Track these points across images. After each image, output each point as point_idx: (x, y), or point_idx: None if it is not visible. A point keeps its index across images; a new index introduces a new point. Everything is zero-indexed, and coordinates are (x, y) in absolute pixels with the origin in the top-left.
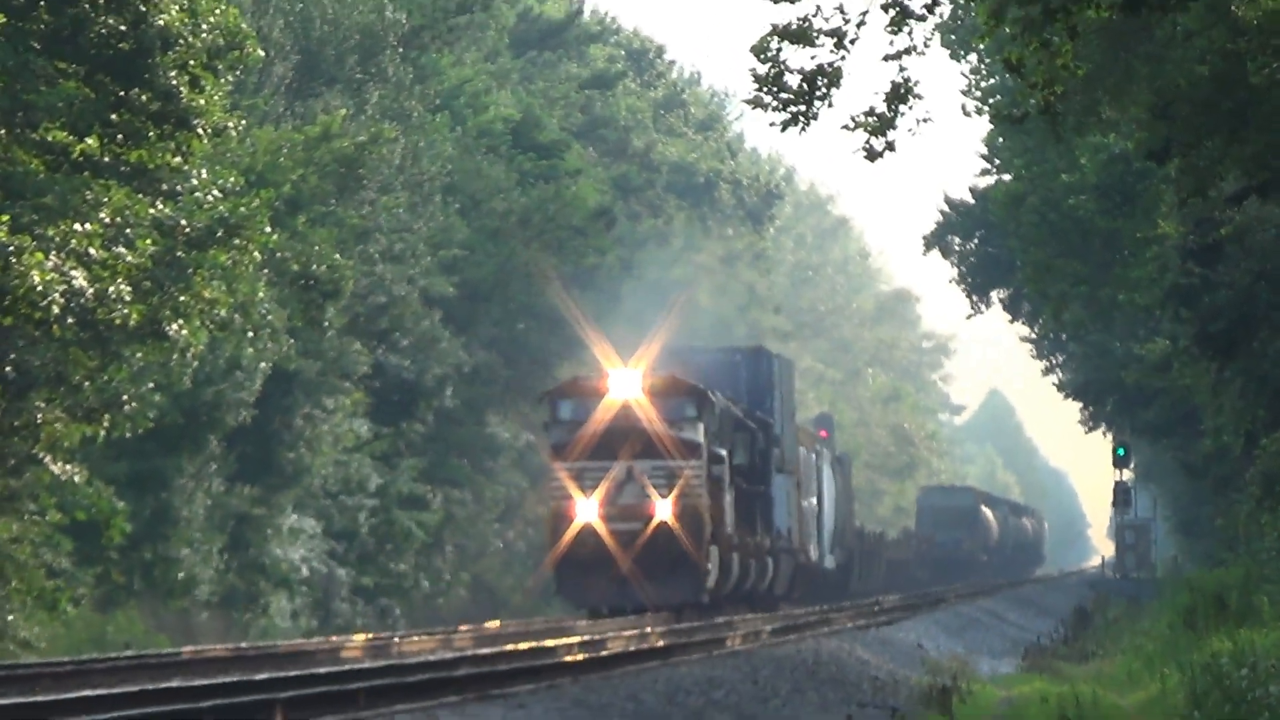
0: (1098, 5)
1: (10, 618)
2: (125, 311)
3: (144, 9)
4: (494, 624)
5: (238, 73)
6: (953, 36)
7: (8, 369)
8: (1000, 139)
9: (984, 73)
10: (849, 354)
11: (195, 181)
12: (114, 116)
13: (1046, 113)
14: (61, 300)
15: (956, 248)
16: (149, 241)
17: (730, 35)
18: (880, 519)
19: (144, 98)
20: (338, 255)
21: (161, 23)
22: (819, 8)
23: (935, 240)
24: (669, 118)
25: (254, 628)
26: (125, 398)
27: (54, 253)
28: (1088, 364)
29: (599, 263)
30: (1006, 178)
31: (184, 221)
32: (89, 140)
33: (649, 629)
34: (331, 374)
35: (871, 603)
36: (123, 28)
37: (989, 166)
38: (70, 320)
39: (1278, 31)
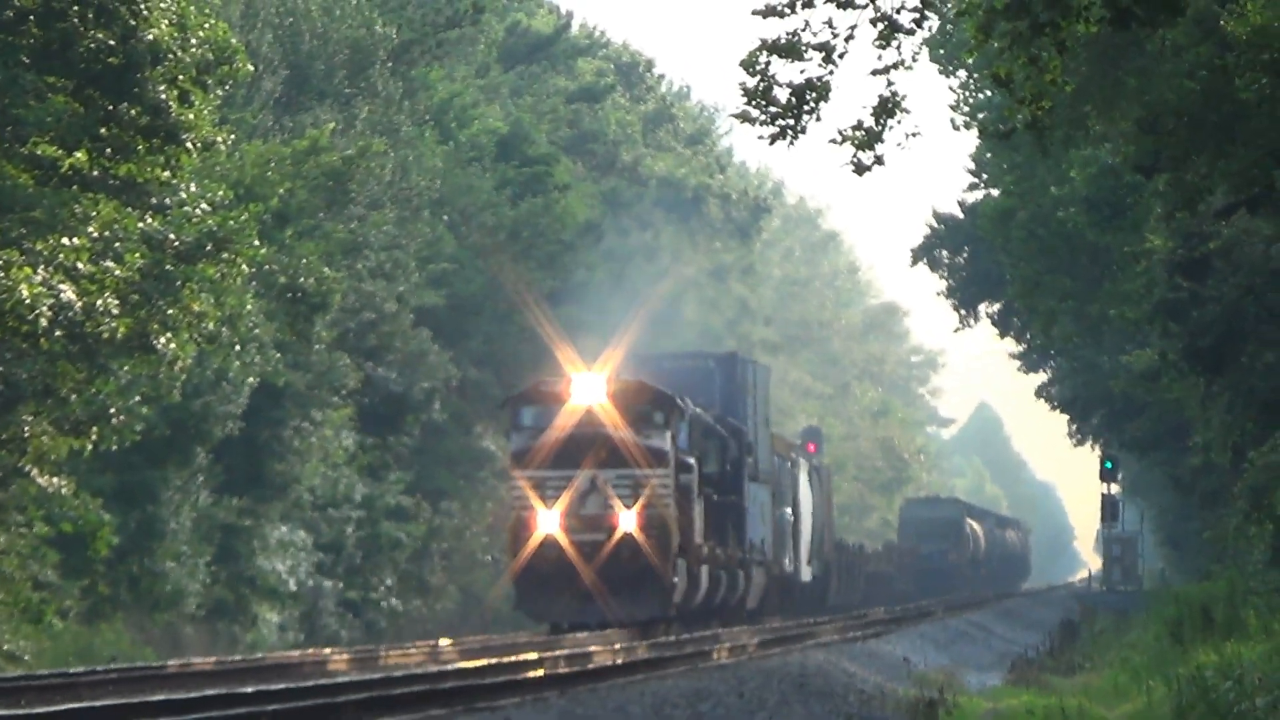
0: (1086, 20)
1: None
2: (113, 325)
3: (133, 24)
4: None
5: (227, 87)
6: (941, 51)
7: None
8: (989, 154)
9: (972, 87)
10: (837, 368)
11: (184, 195)
12: (103, 131)
13: (1034, 128)
14: (49, 313)
15: (945, 261)
16: (137, 255)
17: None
18: (868, 533)
19: (133, 112)
20: (326, 269)
21: (151, 37)
22: (808, 23)
23: (923, 254)
24: (658, 132)
25: (241, 640)
26: (113, 410)
27: (42, 266)
28: (1076, 378)
29: (588, 278)
30: (995, 192)
31: (172, 235)
32: (78, 154)
33: (617, 644)
34: (320, 388)
35: (859, 615)
36: (112, 42)
37: (977, 181)
38: (58, 333)
39: (1265, 46)
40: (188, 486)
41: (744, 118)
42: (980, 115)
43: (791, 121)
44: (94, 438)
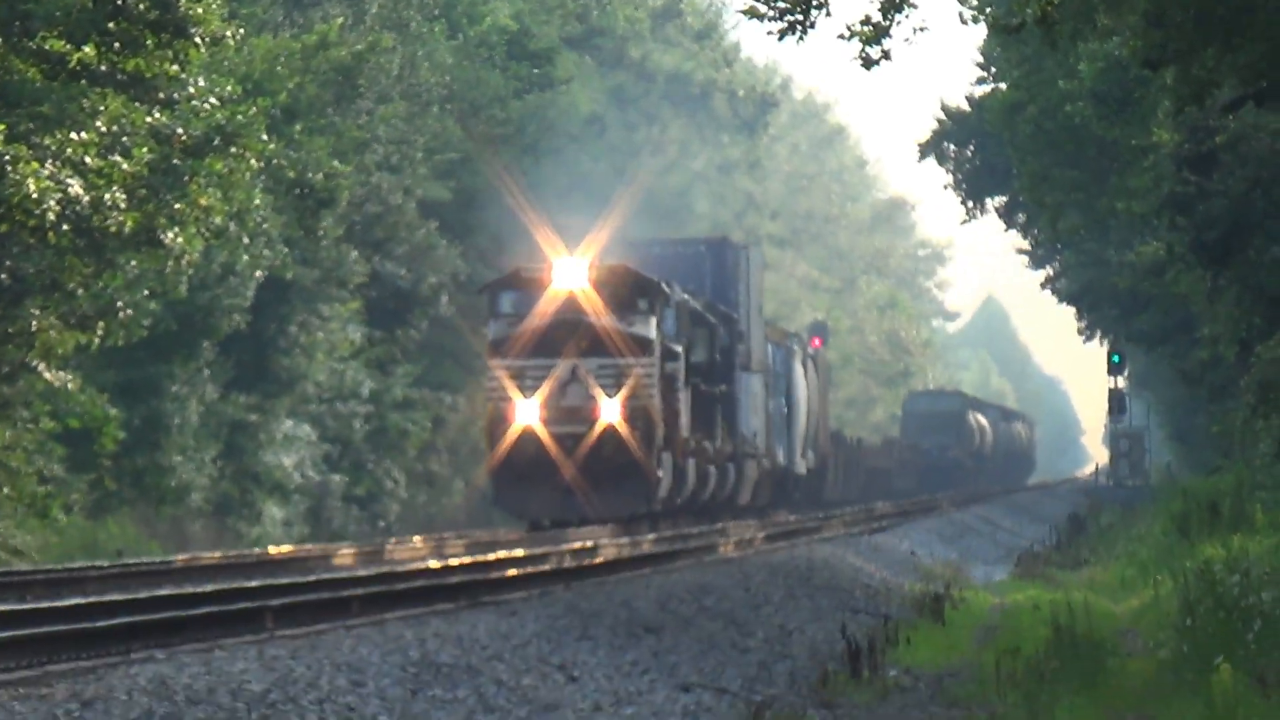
0: None
1: (2, 524)
2: (120, 219)
3: None
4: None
5: None
6: None
7: (2, 276)
8: (997, 48)
9: None
10: (844, 262)
11: (192, 90)
12: (111, 25)
13: (1043, 22)
14: (57, 208)
15: (952, 155)
16: (145, 150)
17: None
18: (874, 427)
19: (141, 6)
20: (335, 163)
21: None
22: None
23: (931, 148)
24: (666, 27)
25: (247, 535)
26: (120, 305)
27: (50, 161)
28: (1083, 272)
29: (592, 169)
30: (1003, 86)
31: (180, 130)
32: (86, 49)
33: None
34: (328, 282)
35: (864, 509)
36: None
37: (985, 75)
38: (65, 228)
39: None
40: (194, 381)
41: (752, 13)
42: (988, 9)
43: (800, 16)
44: (101, 332)
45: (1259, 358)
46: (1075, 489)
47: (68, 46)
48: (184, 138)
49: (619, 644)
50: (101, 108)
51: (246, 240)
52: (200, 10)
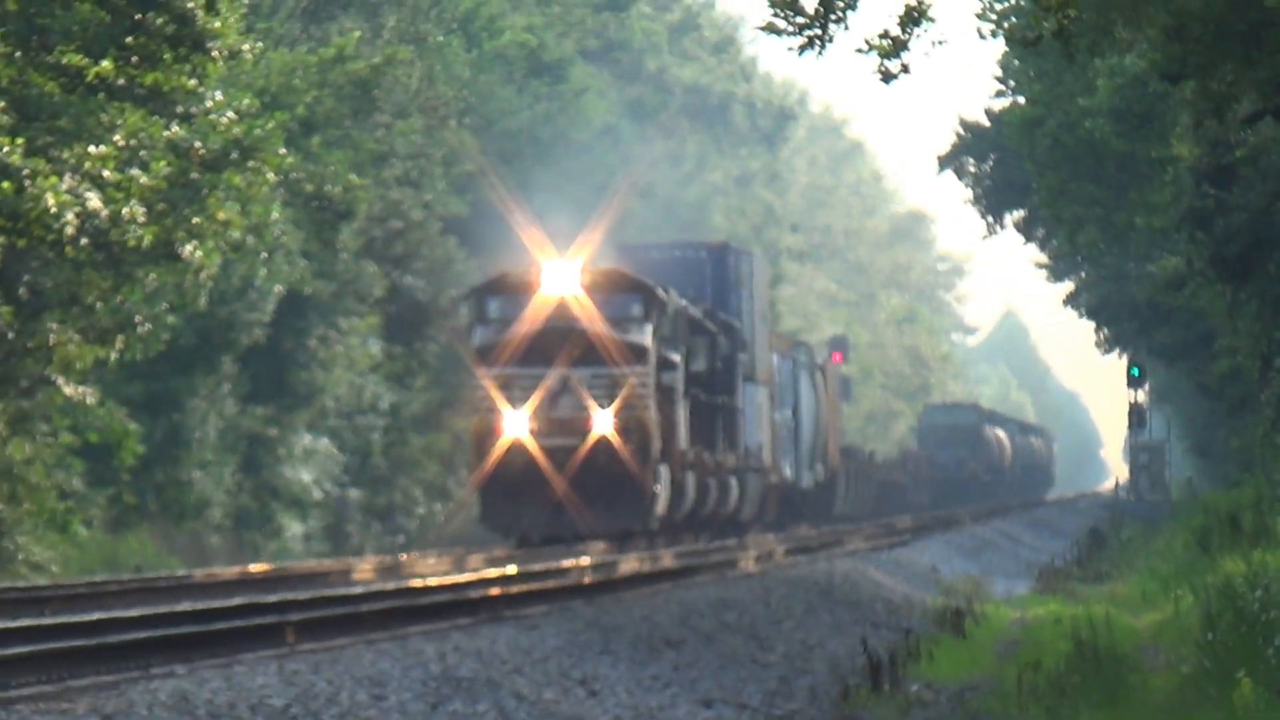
0: None
1: (22, 539)
2: (139, 233)
3: None
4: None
5: None
6: None
7: (21, 290)
8: (1015, 61)
9: None
10: (863, 276)
11: (210, 103)
12: (129, 39)
13: (1061, 35)
14: (75, 222)
15: (971, 169)
16: (163, 163)
17: None
18: (894, 441)
19: (159, 20)
20: (353, 176)
21: None
22: None
23: (950, 161)
24: (683, 41)
25: (266, 550)
26: (138, 319)
27: (68, 175)
28: (1103, 286)
29: (606, 181)
30: (1021, 100)
31: (198, 143)
32: (104, 63)
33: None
34: (346, 296)
35: (885, 523)
36: None
37: (1004, 89)
38: (84, 242)
39: None
40: (213, 395)
41: (771, 29)
42: (1007, 23)
43: (819, 31)
44: (120, 346)
45: (1279, 371)
46: (1095, 503)
47: (86, 60)
48: (202, 151)
49: (640, 658)
50: (120, 122)
51: (265, 254)
52: (218, 24)
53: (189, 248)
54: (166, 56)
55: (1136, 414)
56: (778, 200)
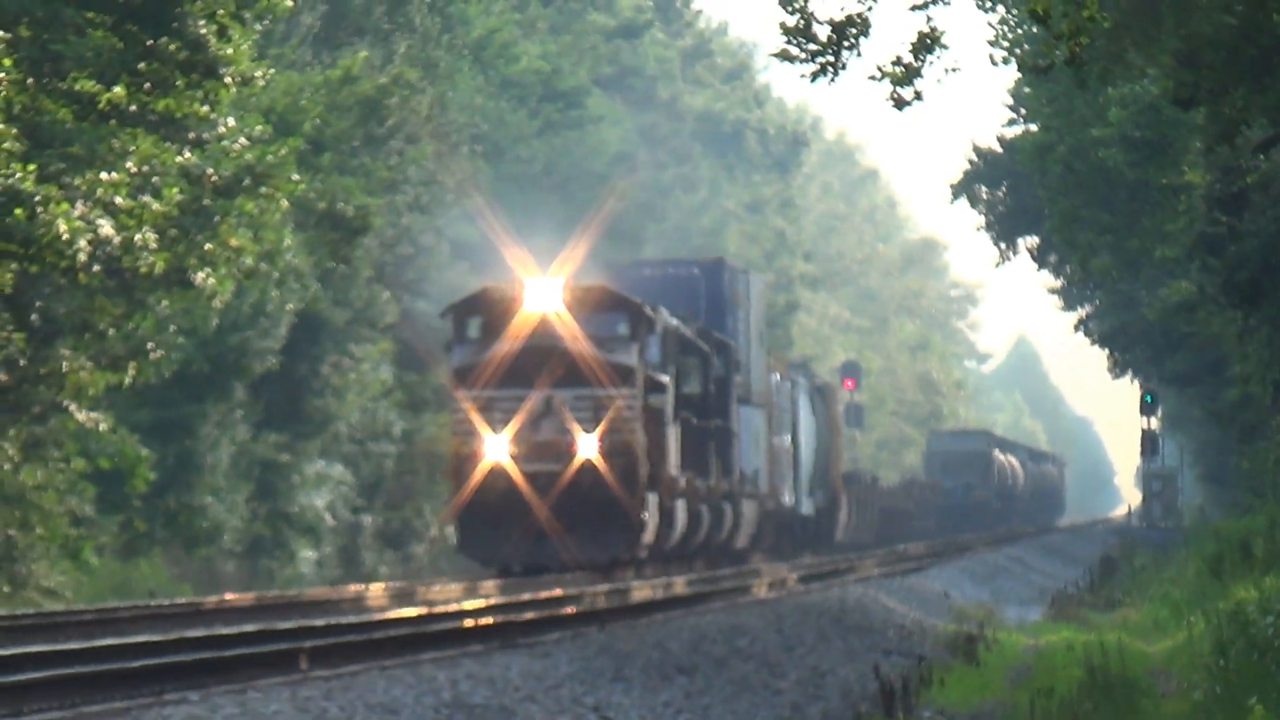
0: None
1: (34, 565)
2: (151, 260)
3: None
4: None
5: (265, 22)
6: None
7: (34, 317)
8: (1027, 88)
9: (1011, 22)
10: (876, 303)
11: (222, 129)
12: (142, 65)
13: (1072, 63)
14: (88, 248)
15: (984, 196)
16: (175, 190)
17: None
18: (906, 468)
19: (172, 47)
20: (365, 196)
21: None
22: None
23: (963, 189)
24: (696, 67)
25: (279, 576)
26: (151, 345)
27: (81, 201)
28: (1115, 312)
29: (620, 209)
30: (1034, 127)
31: (210, 170)
32: (117, 89)
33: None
34: (359, 323)
35: (897, 550)
36: None
37: (1016, 116)
38: (96, 268)
39: None
40: (226, 421)
41: (784, 56)
42: (1019, 50)
43: (832, 58)
44: (132, 373)
45: None
46: (1108, 530)
47: (99, 87)
48: (214, 178)
49: (652, 685)
50: (132, 148)
51: (276, 275)
52: (230, 51)
53: (201, 274)
54: (179, 83)
55: (1149, 441)
56: (790, 227)
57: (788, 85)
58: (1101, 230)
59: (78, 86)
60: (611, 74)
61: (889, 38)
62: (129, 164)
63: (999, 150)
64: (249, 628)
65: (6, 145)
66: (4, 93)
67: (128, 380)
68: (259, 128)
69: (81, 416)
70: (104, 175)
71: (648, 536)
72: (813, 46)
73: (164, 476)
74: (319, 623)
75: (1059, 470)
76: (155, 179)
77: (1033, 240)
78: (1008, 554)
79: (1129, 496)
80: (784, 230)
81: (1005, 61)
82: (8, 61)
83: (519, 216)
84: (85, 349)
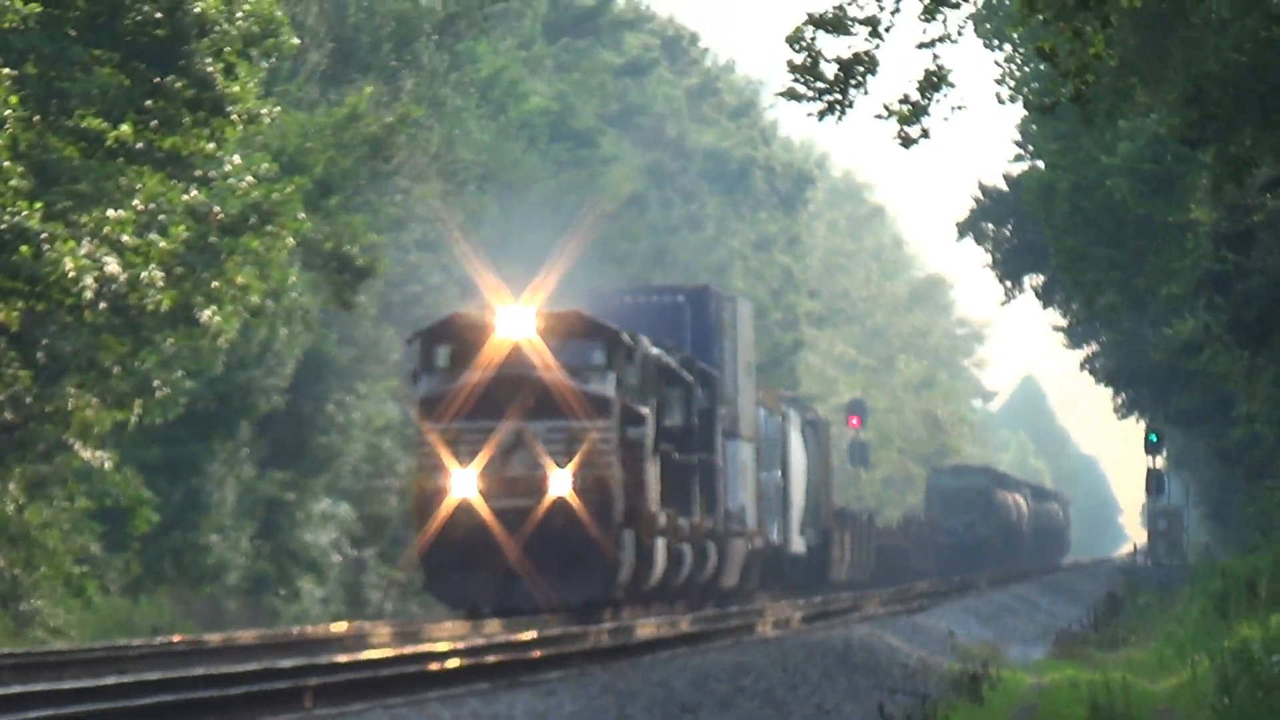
0: None
1: (38, 603)
2: (157, 297)
3: None
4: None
5: (272, 60)
6: (986, 25)
7: (39, 354)
8: (1033, 126)
9: (1018, 60)
10: (882, 340)
11: (229, 167)
12: (148, 103)
13: (1079, 101)
14: (94, 286)
15: (990, 234)
16: (182, 228)
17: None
18: (911, 506)
19: (178, 85)
20: (372, 235)
21: (197, 10)
22: None
23: (969, 227)
24: (702, 105)
25: (284, 613)
26: (157, 383)
27: (87, 239)
28: (1120, 350)
29: (631, 250)
30: (1040, 164)
31: (217, 207)
32: (123, 127)
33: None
34: (365, 360)
35: (901, 589)
36: (158, 15)
37: (1022, 153)
38: (102, 306)
39: None
40: (231, 460)
41: (791, 95)
42: (1025, 88)
43: (839, 97)
44: (138, 411)
45: None
46: (1113, 569)
47: (105, 124)
48: (221, 216)
49: None
50: (138, 186)
51: (283, 315)
52: (237, 89)
53: (207, 312)
54: (185, 120)
55: (1154, 479)
56: (797, 264)
57: (794, 122)
58: (1107, 268)
59: (84, 124)
60: (618, 111)
61: (896, 76)
62: (135, 201)
63: (1005, 188)
64: (253, 665)
65: (13, 183)
66: (11, 130)
67: (134, 419)
68: (265, 165)
69: (86, 454)
70: (110, 213)
71: (624, 576)
72: (820, 85)
73: (169, 514)
74: (323, 660)
75: (1063, 508)
76: (161, 217)
77: (1038, 278)
78: (1012, 592)
79: (1134, 535)
80: (790, 267)
81: (1012, 99)
82: (14, 99)
83: (527, 255)
84: (91, 387)
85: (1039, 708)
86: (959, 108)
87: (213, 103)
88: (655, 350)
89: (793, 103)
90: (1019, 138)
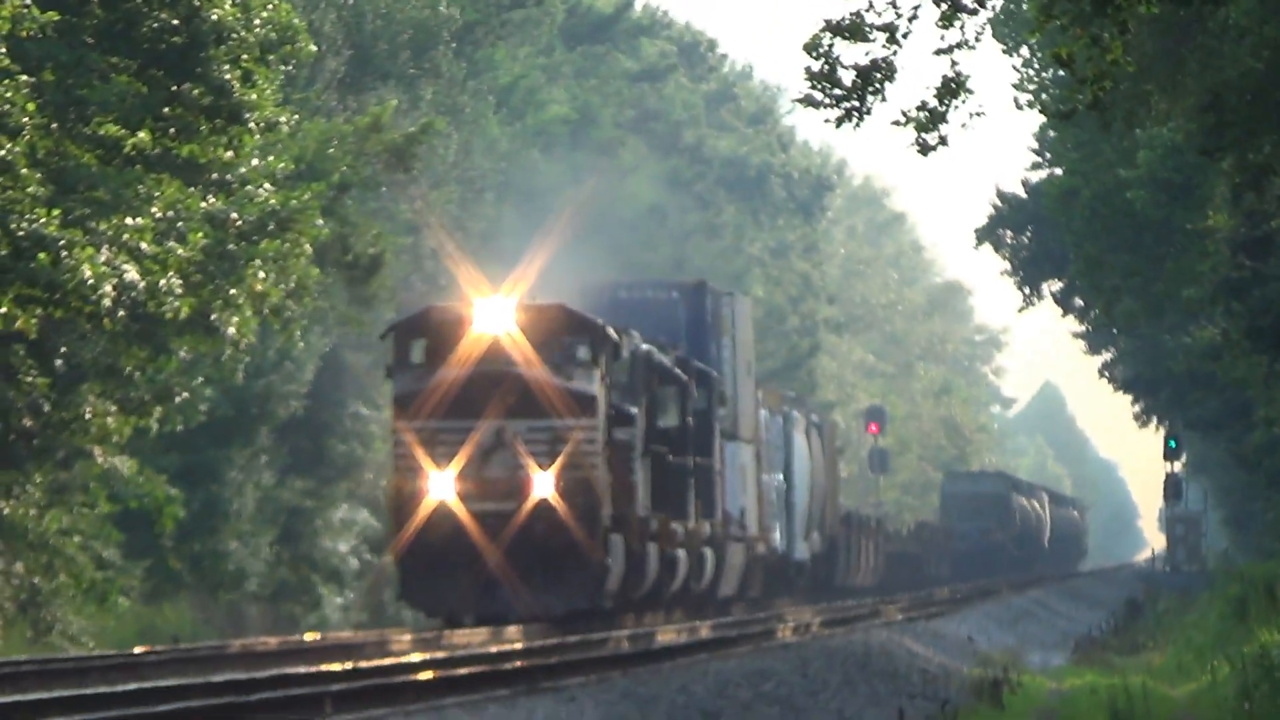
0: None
1: (59, 610)
2: (176, 305)
3: (197, 4)
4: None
5: (289, 67)
6: (1004, 31)
7: (59, 362)
8: (1052, 132)
9: (1036, 67)
10: (901, 347)
11: (246, 172)
12: (166, 111)
13: (1096, 107)
14: (113, 294)
15: (1009, 241)
16: (200, 235)
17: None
18: (931, 512)
19: (196, 92)
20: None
21: (214, 17)
22: (871, 3)
23: (987, 234)
24: (720, 111)
25: (304, 620)
26: (176, 390)
27: (106, 246)
28: (1139, 357)
29: (651, 259)
30: (1058, 171)
31: (235, 214)
32: (141, 134)
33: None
34: (383, 366)
35: (922, 595)
36: (175, 22)
37: (1041, 160)
38: (121, 314)
39: None
40: (251, 467)
41: (808, 102)
42: (1044, 95)
43: (856, 103)
44: (157, 418)
45: None
46: (1132, 574)
47: (123, 132)
48: (239, 222)
49: None
50: (157, 193)
51: (302, 316)
52: (254, 96)
53: (226, 319)
54: (203, 128)
55: (1173, 485)
56: (815, 271)
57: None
58: (1127, 274)
59: (102, 131)
60: (635, 117)
61: (914, 82)
62: (154, 209)
63: (1023, 195)
64: (273, 672)
65: (31, 190)
66: (29, 137)
67: (154, 426)
68: (281, 164)
69: (105, 461)
70: (129, 220)
71: (612, 584)
72: (838, 92)
73: (189, 521)
74: (343, 667)
75: (1081, 514)
76: (180, 224)
77: (1057, 285)
78: (1032, 598)
79: (1153, 540)
80: (809, 274)
81: (1030, 106)
82: (32, 106)
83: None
84: (110, 394)
85: (1059, 713)
86: (978, 114)
87: (230, 110)
88: (646, 346)
89: (810, 110)
90: (1037, 145)
